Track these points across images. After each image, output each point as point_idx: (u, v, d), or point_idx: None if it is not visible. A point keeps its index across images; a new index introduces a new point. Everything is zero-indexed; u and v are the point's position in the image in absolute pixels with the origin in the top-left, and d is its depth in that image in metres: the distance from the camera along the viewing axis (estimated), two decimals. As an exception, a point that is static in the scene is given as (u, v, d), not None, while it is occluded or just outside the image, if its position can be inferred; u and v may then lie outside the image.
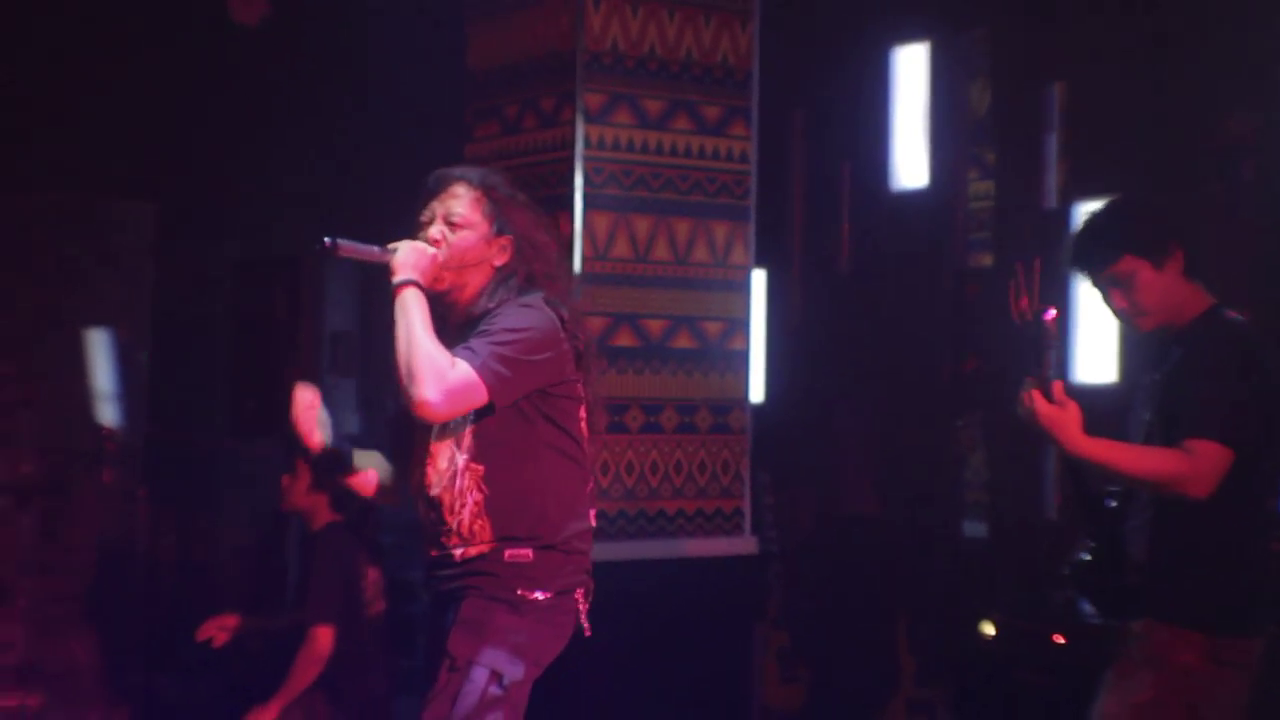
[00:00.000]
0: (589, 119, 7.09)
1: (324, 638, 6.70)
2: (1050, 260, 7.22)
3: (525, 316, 4.63)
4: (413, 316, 4.52)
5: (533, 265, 4.78)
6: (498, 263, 4.75)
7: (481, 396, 4.49)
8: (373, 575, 7.01)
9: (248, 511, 9.18)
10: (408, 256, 4.62)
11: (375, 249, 4.65)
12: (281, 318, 8.54)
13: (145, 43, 8.67)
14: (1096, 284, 4.92)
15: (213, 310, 9.28)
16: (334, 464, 5.69)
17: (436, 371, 4.44)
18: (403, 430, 4.84)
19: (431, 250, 4.67)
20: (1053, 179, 7.60)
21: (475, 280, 4.74)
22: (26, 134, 8.52)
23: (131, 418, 8.89)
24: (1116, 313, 4.92)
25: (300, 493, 6.96)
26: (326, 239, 4.58)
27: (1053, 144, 7.60)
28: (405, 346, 4.47)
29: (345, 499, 7.00)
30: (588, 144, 7.08)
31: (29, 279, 8.59)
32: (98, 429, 8.32)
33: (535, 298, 4.70)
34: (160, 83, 8.77)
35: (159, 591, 9.15)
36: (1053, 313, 4.58)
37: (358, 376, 8.92)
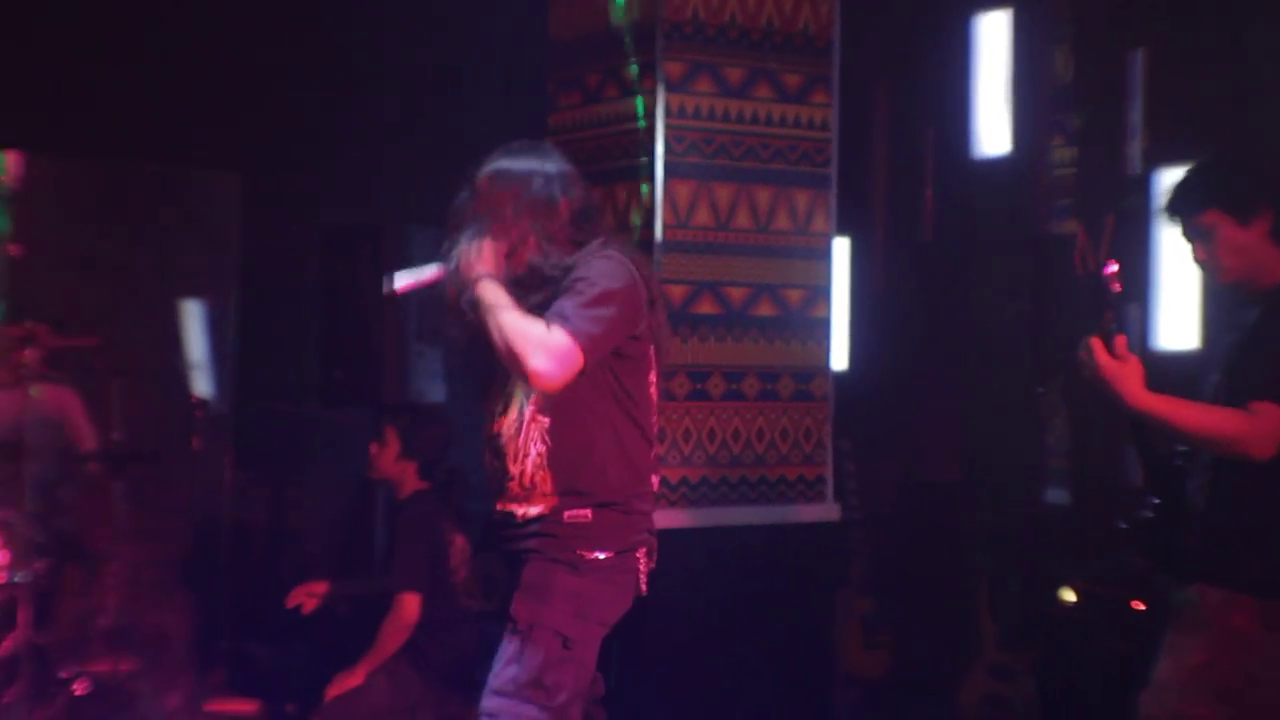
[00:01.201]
0: (670, 88, 7.11)
1: (410, 604, 6.77)
2: (1132, 225, 7.22)
3: (603, 267, 4.70)
4: (497, 304, 4.59)
5: (590, 223, 4.84)
6: (548, 231, 4.79)
7: (579, 360, 4.55)
8: (459, 542, 7.07)
9: (336, 479, 9.25)
10: (467, 257, 4.70)
11: (433, 268, 4.76)
12: (367, 286, 8.58)
13: (230, 13, 8.73)
14: (1184, 234, 4.93)
15: (299, 278, 9.34)
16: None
17: (537, 341, 4.52)
18: (477, 375, 4.93)
19: (484, 243, 4.73)
20: (1136, 145, 7.57)
21: (534, 253, 4.78)
22: (113, 104, 8.61)
23: (220, 386, 8.98)
24: (1198, 264, 4.93)
25: (388, 461, 7.02)
26: (387, 287, 4.70)
27: (1136, 110, 7.57)
28: (499, 333, 4.55)
29: (432, 467, 7.07)
30: (669, 112, 7.10)
31: (118, 249, 8.69)
32: (187, 397, 8.40)
33: (612, 249, 4.77)
34: (245, 53, 8.83)
35: (248, 558, 9.25)
36: (1114, 268, 4.60)
37: (444, 345, 8.95)
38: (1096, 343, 4.64)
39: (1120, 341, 4.62)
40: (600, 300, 4.62)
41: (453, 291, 4.70)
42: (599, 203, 4.96)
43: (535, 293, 4.71)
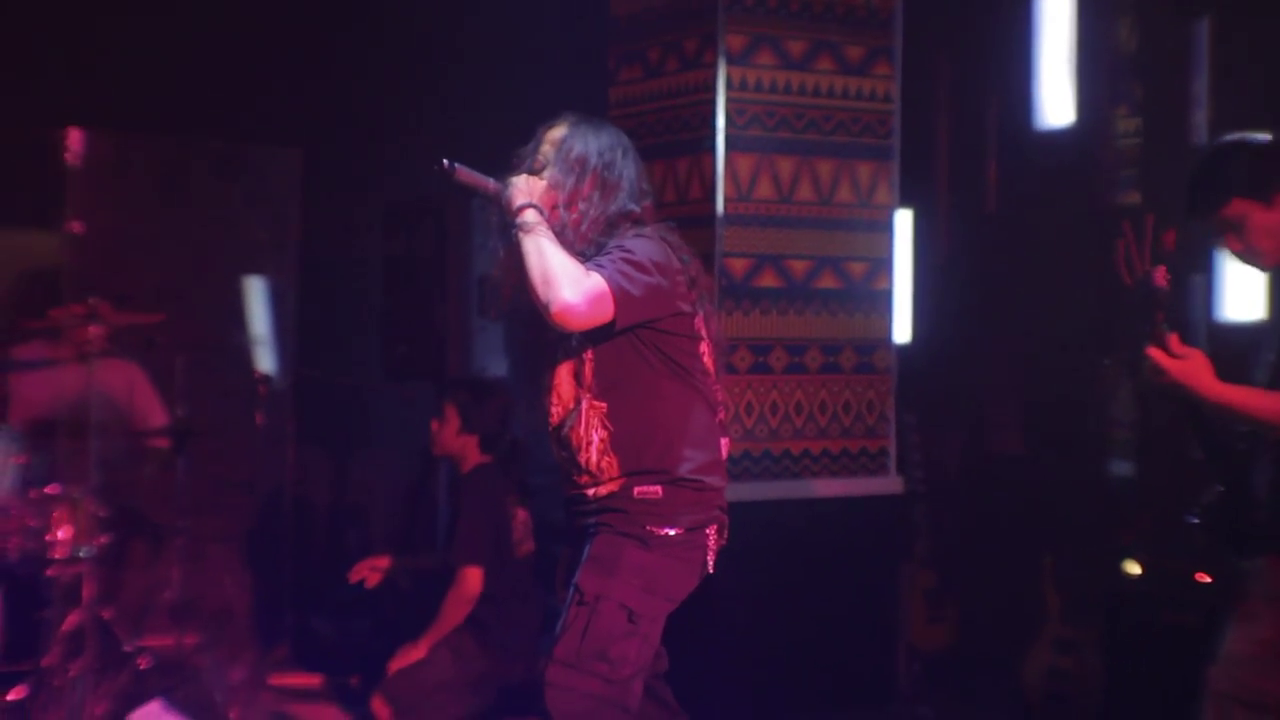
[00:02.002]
0: (731, 61, 7.09)
1: (473, 578, 6.78)
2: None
3: (641, 244, 4.71)
4: (540, 233, 4.60)
5: (636, 201, 4.85)
6: (600, 205, 4.80)
7: (609, 309, 4.56)
8: (521, 516, 7.08)
9: (398, 453, 9.28)
10: (524, 185, 4.71)
11: (490, 180, 4.75)
12: (429, 261, 8.59)
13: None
14: (1214, 230, 4.88)
15: (361, 254, 9.35)
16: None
17: (573, 276, 4.52)
18: (529, 359, 4.93)
19: (544, 180, 4.76)
20: (1202, 115, 7.51)
21: (576, 219, 4.78)
22: (174, 80, 8.63)
23: (282, 361, 9.00)
24: (1234, 255, 4.88)
25: (449, 436, 7.03)
26: (445, 161, 4.68)
27: (1201, 80, 7.51)
28: (538, 258, 4.55)
29: (494, 440, 7.07)
30: (730, 85, 7.08)
31: (179, 225, 8.71)
32: (250, 373, 8.42)
33: (650, 229, 4.79)
34: (306, 28, 8.85)
35: (311, 533, 9.28)
36: (1162, 272, 4.58)
37: (508, 321, 8.95)
38: (1156, 353, 4.62)
39: (1174, 340, 4.61)
40: (640, 266, 4.63)
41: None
42: (649, 214, 4.94)
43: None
